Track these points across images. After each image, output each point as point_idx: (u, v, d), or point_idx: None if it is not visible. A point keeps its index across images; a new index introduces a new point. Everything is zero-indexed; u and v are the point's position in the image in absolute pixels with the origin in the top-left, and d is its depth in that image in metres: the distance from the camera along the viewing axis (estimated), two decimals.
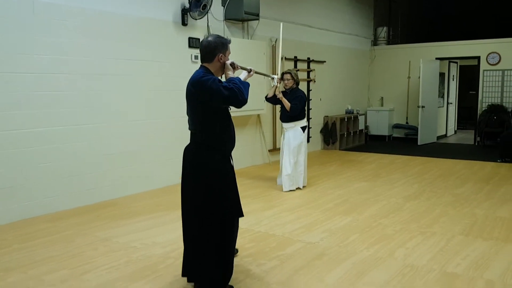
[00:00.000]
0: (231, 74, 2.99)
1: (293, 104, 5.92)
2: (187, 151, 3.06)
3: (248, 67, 3.22)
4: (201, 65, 3.02)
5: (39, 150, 4.94)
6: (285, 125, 6.13)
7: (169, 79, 6.34)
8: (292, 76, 6.03)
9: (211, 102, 2.85)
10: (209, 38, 2.97)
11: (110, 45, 5.56)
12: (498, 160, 8.26)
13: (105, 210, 5.16)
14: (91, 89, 5.40)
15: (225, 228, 2.97)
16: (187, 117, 3.09)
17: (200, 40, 3.02)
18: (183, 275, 3.16)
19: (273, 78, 4.89)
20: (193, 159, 2.99)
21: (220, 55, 2.95)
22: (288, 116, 6.03)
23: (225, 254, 2.97)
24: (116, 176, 5.72)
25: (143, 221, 4.76)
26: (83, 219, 4.81)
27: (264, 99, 6.39)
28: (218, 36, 3.01)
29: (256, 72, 3.31)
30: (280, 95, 5.97)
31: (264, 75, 4.28)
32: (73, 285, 3.23)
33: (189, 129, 3.06)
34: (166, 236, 4.25)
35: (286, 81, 6.03)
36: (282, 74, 6.11)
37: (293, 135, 6.04)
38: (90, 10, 5.33)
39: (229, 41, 3.03)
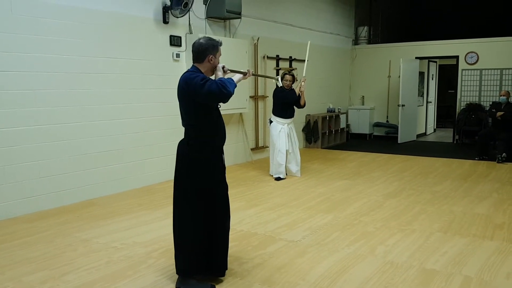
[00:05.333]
0: (220, 75, 3.14)
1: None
2: (180, 145, 3.19)
3: (245, 70, 3.35)
4: (192, 65, 3.18)
5: (17, 149, 4.85)
6: (287, 120, 6.75)
7: (150, 78, 6.29)
8: (293, 77, 6.77)
9: (197, 98, 2.98)
10: (201, 40, 3.14)
11: (90, 43, 5.49)
12: (476, 158, 8.41)
13: (85, 210, 5.10)
14: (71, 87, 5.33)
15: (206, 219, 3.12)
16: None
17: (192, 42, 3.17)
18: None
19: (278, 79, 5.16)
20: (185, 154, 3.13)
21: (211, 57, 3.10)
22: (293, 113, 6.80)
23: (188, 243, 3.12)
24: (96, 176, 5.66)
25: (124, 221, 4.72)
26: (62, 220, 4.75)
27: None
28: (210, 39, 3.17)
29: (255, 75, 3.54)
30: (303, 89, 6.67)
31: (266, 77, 4.52)
32: (53, 286, 3.19)
33: (182, 125, 3.20)
34: (147, 236, 4.22)
35: (288, 82, 6.66)
36: (284, 74, 6.83)
37: (293, 127, 6.86)
38: (69, 7, 5.26)
39: (220, 43, 3.17)
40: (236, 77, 3.22)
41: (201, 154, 3.09)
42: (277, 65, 8.95)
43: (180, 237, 3.15)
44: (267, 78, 8.55)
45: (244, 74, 3.29)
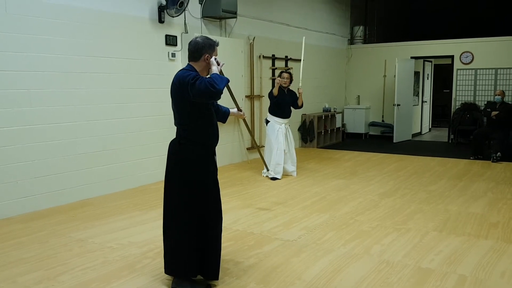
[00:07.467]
0: (215, 69, 3.02)
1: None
2: (172, 145, 3.14)
3: (240, 108, 3.77)
4: (188, 63, 3.12)
5: (12, 149, 4.83)
6: (284, 120, 6.77)
7: (145, 77, 6.27)
8: (291, 75, 6.71)
9: (188, 97, 2.91)
10: (198, 38, 3.10)
11: (85, 42, 5.47)
12: (471, 158, 8.44)
13: (80, 210, 5.08)
14: (67, 87, 5.31)
15: (198, 221, 3.07)
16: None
17: (188, 41, 3.13)
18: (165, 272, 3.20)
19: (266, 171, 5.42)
20: (176, 154, 3.08)
21: (207, 56, 3.05)
22: (290, 113, 6.80)
23: (186, 247, 3.06)
24: (91, 176, 5.64)
25: (119, 221, 4.71)
26: (57, 220, 4.73)
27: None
28: (207, 38, 3.13)
29: (246, 124, 4.39)
30: (301, 91, 6.77)
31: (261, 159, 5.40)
32: (47, 287, 3.17)
33: (174, 124, 3.14)
34: (143, 236, 4.22)
35: (285, 80, 6.62)
36: (281, 72, 6.79)
37: (289, 127, 6.90)
38: (64, 6, 5.24)
39: (217, 43, 3.13)
40: (232, 110, 3.59)
41: (192, 154, 3.03)
42: (273, 64, 8.95)
43: (171, 239, 3.09)
44: (261, 79, 8.57)
45: (240, 110, 3.71)
